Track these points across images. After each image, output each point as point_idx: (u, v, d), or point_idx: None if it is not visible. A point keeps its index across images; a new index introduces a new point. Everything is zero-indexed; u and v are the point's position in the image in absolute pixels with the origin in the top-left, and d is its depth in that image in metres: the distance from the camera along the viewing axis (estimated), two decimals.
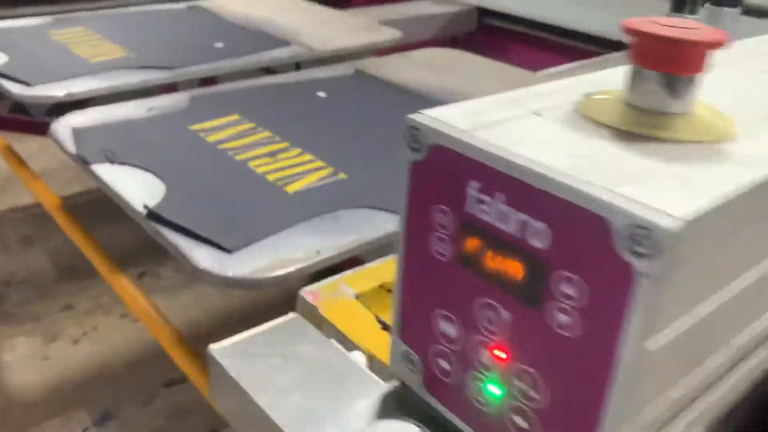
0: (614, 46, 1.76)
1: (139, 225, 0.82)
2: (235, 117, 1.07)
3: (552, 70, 1.50)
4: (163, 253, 0.86)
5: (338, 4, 1.97)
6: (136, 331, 1.92)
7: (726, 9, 0.57)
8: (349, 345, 0.53)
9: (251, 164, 0.92)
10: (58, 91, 1.13)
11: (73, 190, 2.57)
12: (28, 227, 2.37)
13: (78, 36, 1.45)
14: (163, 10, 1.71)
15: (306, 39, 1.51)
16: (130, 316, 1.98)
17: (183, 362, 1.13)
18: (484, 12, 2.10)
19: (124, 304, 1.35)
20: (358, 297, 0.56)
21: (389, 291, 0.58)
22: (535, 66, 1.67)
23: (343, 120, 1.10)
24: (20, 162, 1.28)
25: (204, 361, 0.57)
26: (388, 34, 1.59)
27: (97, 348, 1.88)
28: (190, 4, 1.78)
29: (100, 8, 1.74)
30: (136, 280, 2.14)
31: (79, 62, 1.28)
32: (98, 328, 1.96)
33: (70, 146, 0.94)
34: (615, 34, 1.79)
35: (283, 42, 1.48)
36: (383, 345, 0.49)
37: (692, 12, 0.52)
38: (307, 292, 0.57)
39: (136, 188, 0.84)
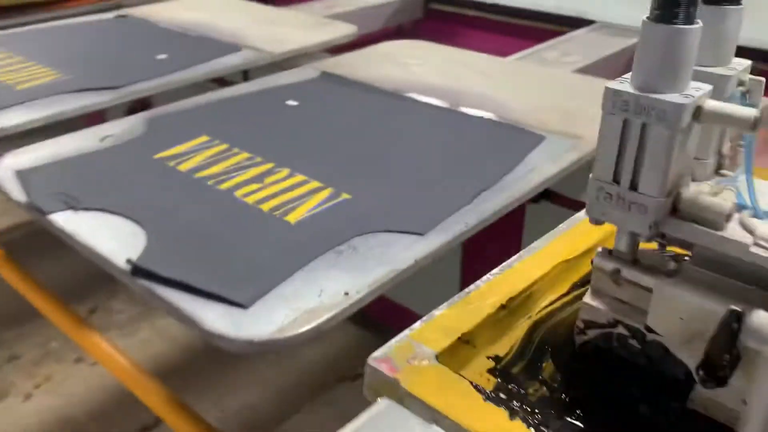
0: (571, 23, 1.72)
1: (85, 258, 0.71)
2: (203, 139, 0.94)
3: (519, 54, 1.44)
4: (113, 285, 0.74)
5: (272, 1, 1.85)
6: (96, 376, 1.75)
7: (727, 7, 0.50)
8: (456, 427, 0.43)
9: (238, 193, 0.80)
10: None
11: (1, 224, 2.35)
12: None
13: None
14: (89, 22, 1.55)
15: (256, 42, 1.38)
16: (86, 360, 1.81)
17: (155, 404, 1.01)
18: None
19: (79, 347, 1.19)
20: (438, 358, 0.46)
21: (468, 343, 0.49)
22: (489, 49, 1.60)
23: (324, 130, 0.99)
24: None
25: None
26: (344, 30, 1.48)
27: (55, 401, 1.70)
28: (118, 12, 1.62)
29: (12, 26, 1.56)
30: (87, 318, 1.97)
31: (2, 91, 1.12)
32: (52, 377, 1.78)
33: (17, 193, 0.80)
34: (568, 9, 1.75)
35: (232, 47, 1.35)
36: (492, 420, 0.40)
37: (688, 18, 0.43)
38: (379, 361, 0.47)
39: (111, 238, 0.71)
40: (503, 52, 1.47)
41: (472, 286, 0.59)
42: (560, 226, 0.70)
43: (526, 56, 1.41)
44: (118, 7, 1.77)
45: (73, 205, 0.76)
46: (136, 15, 1.60)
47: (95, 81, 1.14)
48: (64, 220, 0.74)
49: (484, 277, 0.61)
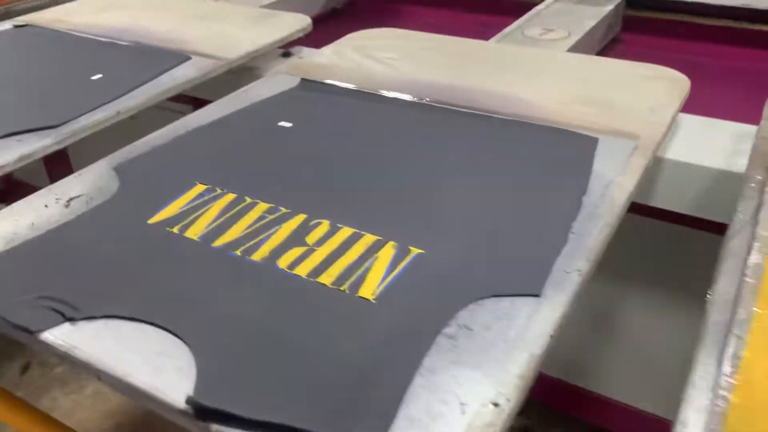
0: None
1: None
2: (199, 188, 0.75)
3: (499, 35, 1.31)
4: None
5: None
6: None
7: None
8: None
9: (281, 264, 0.63)
10: None
11: None
12: None
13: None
14: None
15: (202, 46, 1.17)
16: None
17: None
18: None
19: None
20: None
21: None
22: (439, 27, 1.47)
23: (342, 158, 0.82)
24: None
25: None
26: (297, 22, 1.29)
27: None
28: (14, 22, 1.34)
29: None
30: (19, 378, 1.70)
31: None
32: None
33: None
34: None
35: (177, 55, 1.14)
36: None
37: None
38: None
39: (143, 362, 0.53)
40: (457, 29, 1.34)
41: None
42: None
43: (506, 36, 1.29)
44: (7, 15, 1.48)
45: (71, 315, 0.57)
46: (38, 23, 1.33)
47: (25, 119, 0.91)
48: (65, 338, 0.55)
49: None
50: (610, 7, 1.39)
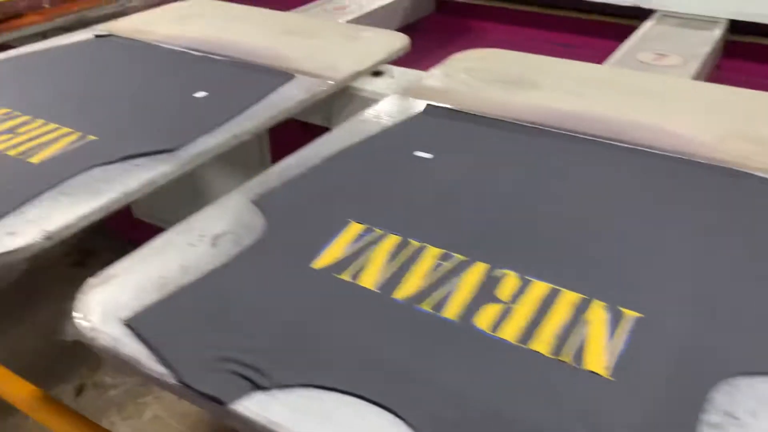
0: (617, 12, 1.55)
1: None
2: (357, 228, 0.69)
3: (612, 58, 1.24)
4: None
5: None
6: None
7: None
8: None
9: (480, 323, 0.55)
10: (10, 241, 0.67)
11: None
12: None
13: None
14: (68, 47, 1.19)
15: (305, 65, 1.10)
16: None
17: None
18: None
19: None
20: None
21: None
22: (513, 44, 1.41)
23: (504, 197, 0.75)
24: None
25: None
26: (398, 41, 1.22)
27: None
28: (95, 32, 1.27)
29: None
30: (75, 401, 1.63)
31: (19, 170, 0.80)
32: None
33: (148, 360, 0.52)
34: None
35: (281, 74, 1.07)
36: None
37: None
38: None
39: None
40: (534, 48, 1.26)
41: None
42: None
43: (620, 61, 1.22)
44: (82, 22, 1.41)
45: (262, 383, 0.49)
46: (120, 33, 1.26)
47: (138, 142, 0.84)
48: (265, 412, 0.47)
49: None
50: (718, 32, 1.32)
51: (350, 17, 1.47)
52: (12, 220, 0.69)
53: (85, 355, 1.76)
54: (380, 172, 0.79)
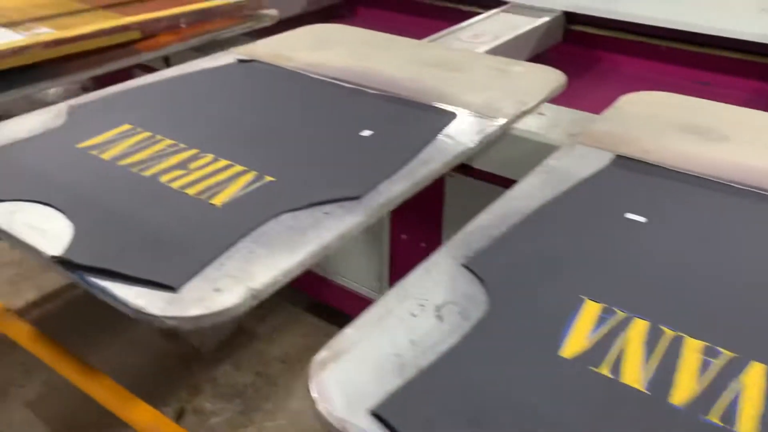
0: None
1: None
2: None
3: (435, 36, 1.18)
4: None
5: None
6: None
7: None
8: None
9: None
10: (219, 299, 0.62)
11: (21, 298, 1.91)
12: None
13: (134, 146, 0.89)
14: (212, 72, 1.16)
15: (465, 102, 1.04)
16: None
17: None
18: None
19: None
20: None
21: None
22: (653, 81, 1.32)
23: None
24: None
25: None
26: (555, 79, 1.15)
27: None
28: (238, 56, 1.23)
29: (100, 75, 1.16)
30: (176, 423, 1.59)
31: (205, 213, 0.75)
32: None
33: None
34: None
35: (444, 112, 1.01)
36: None
37: None
38: None
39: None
40: (670, 83, 1.18)
41: None
42: None
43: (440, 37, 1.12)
44: (216, 44, 1.38)
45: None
46: (262, 58, 1.22)
47: (320, 186, 0.79)
48: None
49: None
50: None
51: (486, 47, 1.41)
52: (213, 273, 0.64)
53: (184, 378, 1.74)
54: (595, 237, 0.72)
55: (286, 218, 0.74)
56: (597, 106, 1.11)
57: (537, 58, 1.61)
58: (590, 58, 1.69)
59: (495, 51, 1.41)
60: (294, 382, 1.64)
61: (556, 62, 1.68)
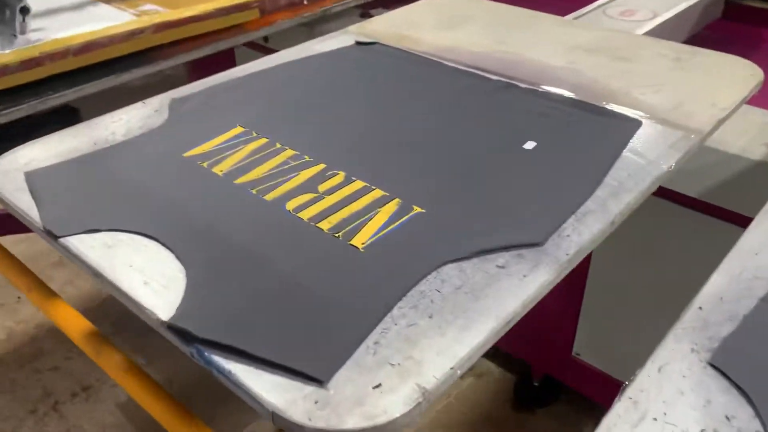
0: None
1: None
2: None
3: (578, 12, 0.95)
4: None
5: None
6: None
7: None
8: None
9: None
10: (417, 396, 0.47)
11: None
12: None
13: (251, 157, 0.72)
14: (331, 59, 0.98)
15: (648, 106, 0.84)
16: None
17: None
18: None
19: None
20: None
21: None
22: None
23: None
24: None
25: None
26: (750, 73, 0.93)
27: None
28: (358, 35, 1.05)
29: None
30: None
31: (347, 259, 0.57)
32: None
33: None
34: None
35: (627, 120, 0.81)
36: None
37: None
38: None
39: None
40: None
41: None
42: None
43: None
44: (326, 19, 1.21)
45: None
46: (380, 38, 1.04)
47: (485, 226, 0.61)
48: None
49: None
50: None
51: (645, 29, 1.18)
52: (367, 358, 0.48)
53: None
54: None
55: (450, 272, 0.57)
56: None
57: (694, 38, 1.36)
58: (756, 36, 1.42)
59: (654, 32, 1.18)
60: None
61: (716, 43, 1.43)
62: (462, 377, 1.52)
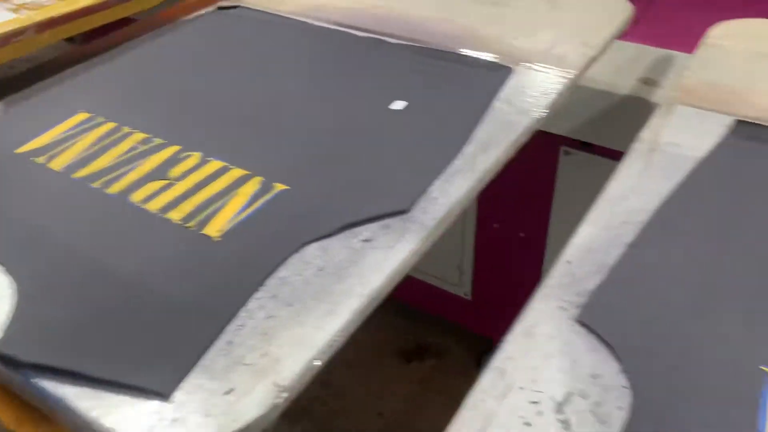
0: None
1: None
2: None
3: None
4: None
5: None
6: None
7: None
8: None
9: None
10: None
11: None
12: None
13: (94, 146, 0.65)
14: (185, 31, 0.90)
15: (519, 48, 0.81)
16: None
17: None
18: None
19: None
20: None
21: None
22: None
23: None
24: None
25: None
26: (621, 8, 0.92)
27: None
28: (222, 2, 0.98)
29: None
30: None
31: (197, 251, 0.52)
32: None
33: None
34: None
35: (495, 67, 0.78)
36: None
37: None
38: None
39: None
40: None
41: None
42: None
43: None
44: None
45: None
46: (243, 1, 0.97)
47: (349, 198, 0.58)
48: None
49: None
50: None
51: None
52: (219, 360, 0.44)
53: None
54: (750, 255, 0.52)
55: (313, 252, 0.53)
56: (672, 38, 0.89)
57: None
58: None
59: None
60: None
61: None
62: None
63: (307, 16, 0.92)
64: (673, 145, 0.64)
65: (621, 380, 0.42)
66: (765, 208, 0.56)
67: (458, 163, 0.63)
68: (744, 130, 0.65)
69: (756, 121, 0.67)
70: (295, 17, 0.92)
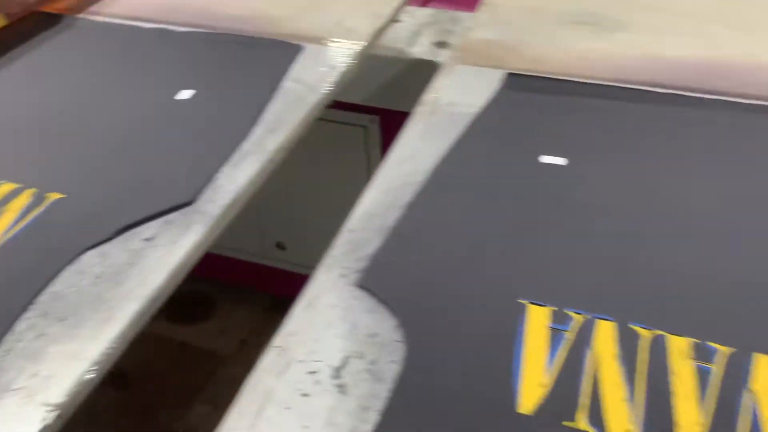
0: None
1: None
2: None
3: None
4: None
5: None
6: None
7: None
8: None
9: None
10: None
11: None
12: None
13: None
14: None
15: (305, 26, 0.81)
16: None
17: None
18: None
19: None
20: None
21: None
22: None
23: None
24: None
25: None
26: None
27: None
28: None
29: None
30: None
31: None
32: None
33: None
34: None
35: (286, 46, 0.77)
36: None
37: None
38: None
39: None
40: None
41: None
42: None
43: None
44: None
45: None
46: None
47: (129, 198, 0.56)
48: None
49: None
50: None
51: None
52: None
53: None
54: (512, 206, 0.55)
55: (90, 260, 0.51)
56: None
57: None
58: None
59: None
60: None
61: None
62: None
63: (91, 12, 0.87)
64: (452, 104, 0.67)
65: (396, 335, 0.44)
66: (532, 153, 0.60)
67: (246, 146, 0.62)
68: (515, 82, 0.70)
69: (525, 72, 0.71)
70: (75, 15, 0.87)
